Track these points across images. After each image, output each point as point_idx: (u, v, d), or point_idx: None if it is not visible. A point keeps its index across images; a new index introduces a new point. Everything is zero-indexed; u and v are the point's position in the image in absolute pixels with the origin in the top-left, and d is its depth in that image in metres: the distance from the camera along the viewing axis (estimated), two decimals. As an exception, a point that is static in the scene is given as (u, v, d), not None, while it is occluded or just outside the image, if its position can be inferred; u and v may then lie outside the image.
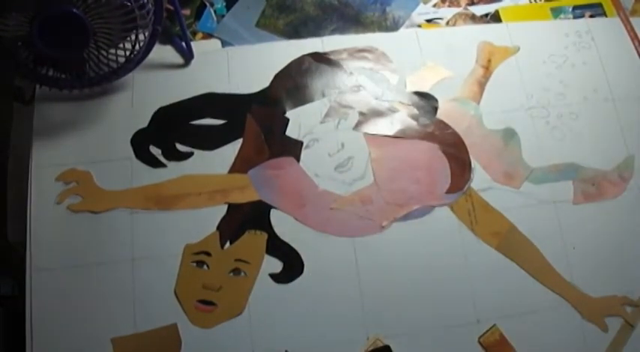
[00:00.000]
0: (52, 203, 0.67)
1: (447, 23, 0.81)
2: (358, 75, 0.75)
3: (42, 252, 0.65)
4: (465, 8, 0.82)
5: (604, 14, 0.82)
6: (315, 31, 0.79)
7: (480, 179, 0.71)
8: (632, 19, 0.82)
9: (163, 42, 0.76)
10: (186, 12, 0.79)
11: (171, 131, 0.71)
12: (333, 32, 0.79)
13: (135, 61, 0.68)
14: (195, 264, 0.65)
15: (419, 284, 0.66)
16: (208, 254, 0.66)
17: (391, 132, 0.73)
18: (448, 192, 0.70)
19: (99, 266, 0.65)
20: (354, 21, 0.80)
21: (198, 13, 0.79)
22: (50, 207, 0.66)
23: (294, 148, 0.71)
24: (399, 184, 0.70)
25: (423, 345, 0.64)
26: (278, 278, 0.65)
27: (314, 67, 0.75)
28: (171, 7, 0.73)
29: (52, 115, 0.71)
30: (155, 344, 0.62)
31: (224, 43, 0.77)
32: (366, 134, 0.72)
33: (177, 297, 0.64)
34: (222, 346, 0.62)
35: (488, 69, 0.77)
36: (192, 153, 0.70)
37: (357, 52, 0.77)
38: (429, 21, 0.81)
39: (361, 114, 0.73)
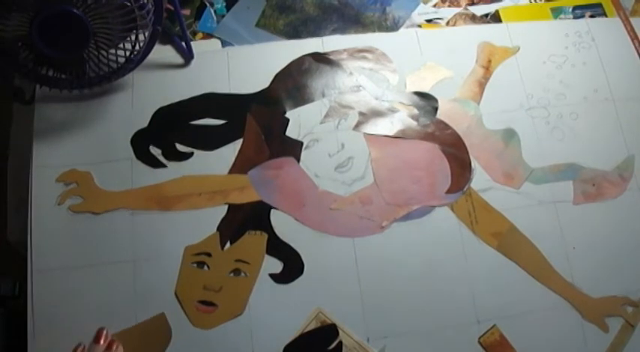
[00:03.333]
0: (53, 204, 0.67)
1: (447, 23, 0.81)
2: (358, 75, 0.75)
3: (43, 252, 0.65)
4: (465, 8, 0.82)
5: (604, 14, 0.82)
6: (315, 31, 0.79)
7: (480, 179, 0.71)
8: (632, 19, 0.82)
9: (163, 42, 0.76)
10: (186, 12, 0.79)
11: (171, 131, 0.71)
12: (333, 32, 0.79)
13: (135, 61, 0.68)
14: (195, 265, 0.65)
15: (419, 284, 0.66)
16: (209, 255, 0.66)
17: (391, 133, 0.73)
18: (448, 192, 0.70)
19: (100, 266, 0.65)
20: (354, 21, 0.80)
21: (198, 13, 0.79)
22: (51, 208, 0.66)
23: (294, 148, 0.71)
24: (399, 184, 0.70)
25: (423, 345, 0.64)
26: (278, 278, 0.65)
27: (314, 67, 0.75)
28: (171, 7, 0.73)
29: (52, 116, 0.71)
30: (145, 335, 0.62)
31: (224, 43, 0.77)
32: (366, 134, 0.72)
33: (177, 298, 0.64)
34: (222, 346, 0.62)
35: (488, 69, 0.77)
36: (192, 154, 0.70)
37: (357, 52, 0.77)
38: (429, 21, 0.81)
39: (361, 114, 0.73)
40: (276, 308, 0.64)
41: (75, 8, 0.59)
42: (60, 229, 0.66)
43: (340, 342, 0.63)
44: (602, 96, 0.77)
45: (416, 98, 0.75)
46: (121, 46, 0.66)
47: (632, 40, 0.81)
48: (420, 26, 0.80)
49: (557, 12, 0.82)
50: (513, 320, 0.65)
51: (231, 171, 0.69)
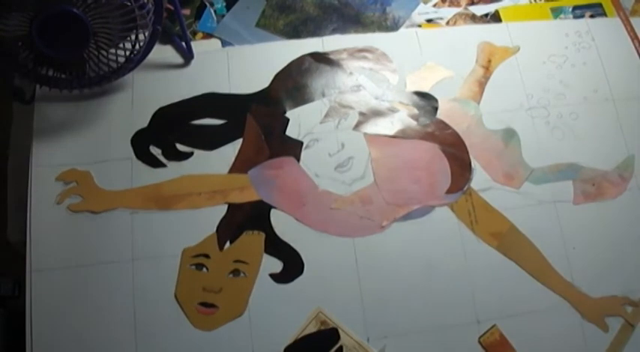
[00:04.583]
0: (52, 203, 0.67)
1: (447, 23, 0.81)
2: (358, 75, 0.75)
3: (42, 252, 0.65)
4: (465, 8, 0.82)
5: (604, 14, 0.82)
6: (315, 31, 0.79)
7: (480, 179, 0.71)
8: (632, 19, 0.82)
9: (163, 42, 0.75)
10: (186, 12, 0.79)
11: (171, 131, 0.71)
12: (333, 32, 0.79)
13: (135, 60, 0.68)
14: (194, 267, 0.65)
15: (419, 284, 0.66)
16: (207, 256, 0.66)
17: (391, 132, 0.73)
18: (448, 192, 0.70)
19: (99, 266, 0.65)
20: (354, 21, 0.80)
21: (198, 13, 0.79)
22: (50, 207, 0.66)
23: (294, 148, 0.71)
24: (399, 184, 0.70)
25: (423, 345, 0.64)
26: (278, 278, 0.65)
27: (314, 67, 0.75)
28: (171, 7, 0.73)
29: (52, 115, 0.71)
30: None
31: (224, 43, 0.77)
32: (366, 134, 0.72)
33: (177, 301, 0.64)
34: (222, 347, 0.62)
35: (488, 69, 0.77)
36: (192, 153, 0.70)
37: (357, 52, 0.77)
38: (429, 21, 0.81)
39: (361, 114, 0.73)
40: (276, 308, 0.64)
41: (75, 8, 0.59)
42: (59, 228, 0.66)
43: (341, 347, 0.63)
44: (602, 97, 0.77)
45: (416, 98, 0.75)
46: (121, 45, 0.66)
47: (632, 40, 0.81)
48: (420, 26, 0.80)
49: (557, 12, 0.82)
50: (513, 320, 0.65)
51: (231, 171, 0.69)
